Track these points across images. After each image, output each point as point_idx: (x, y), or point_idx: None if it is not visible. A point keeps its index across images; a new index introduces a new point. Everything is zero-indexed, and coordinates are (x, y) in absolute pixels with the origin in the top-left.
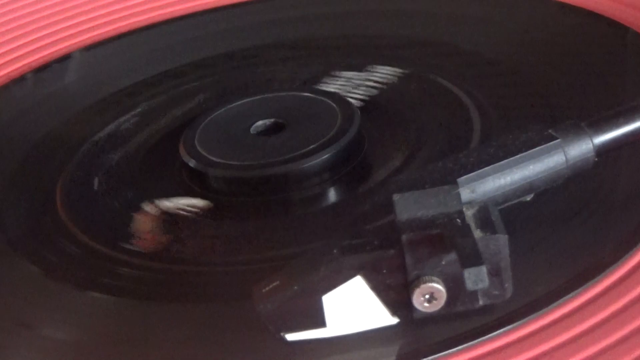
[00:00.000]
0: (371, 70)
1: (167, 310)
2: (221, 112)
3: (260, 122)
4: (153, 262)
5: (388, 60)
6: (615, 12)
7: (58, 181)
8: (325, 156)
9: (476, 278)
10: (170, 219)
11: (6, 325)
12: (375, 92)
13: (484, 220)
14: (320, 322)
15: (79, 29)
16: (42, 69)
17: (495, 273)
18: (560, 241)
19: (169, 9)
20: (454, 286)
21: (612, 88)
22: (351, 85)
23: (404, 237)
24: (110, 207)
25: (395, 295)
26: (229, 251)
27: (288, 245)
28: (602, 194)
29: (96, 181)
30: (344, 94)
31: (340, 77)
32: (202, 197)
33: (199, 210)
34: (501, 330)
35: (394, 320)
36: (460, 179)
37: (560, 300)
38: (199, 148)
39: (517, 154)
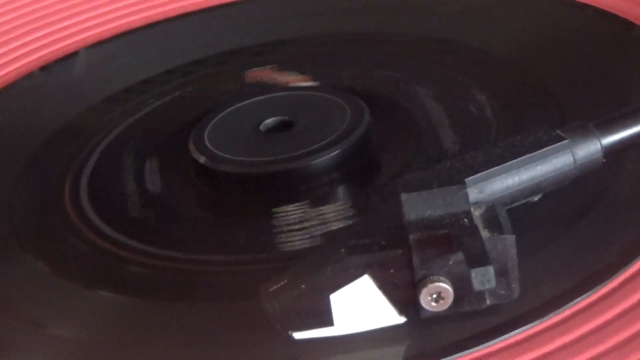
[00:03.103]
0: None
1: (174, 309)
2: (231, 109)
3: (269, 120)
4: (160, 260)
5: (396, 57)
6: (625, 10)
7: (66, 178)
8: (333, 154)
9: (483, 278)
10: None
11: (13, 323)
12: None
13: (492, 220)
14: (327, 321)
15: (89, 24)
16: (50, 66)
17: (502, 273)
18: (568, 242)
19: (180, 4)
20: (461, 286)
21: (621, 88)
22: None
23: (411, 237)
24: (118, 204)
25: (402, 294)
26: (236, 249)
27: (295, 244)
28: (612, 195)
29: (104, 178)
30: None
31: (347, 74)
32: (210, 194)
33: None
34: (511, 333)
35: (401, 320)
36: (468, 179)
37: (571, 303)
38: (208, 145)
39: (524, 155)
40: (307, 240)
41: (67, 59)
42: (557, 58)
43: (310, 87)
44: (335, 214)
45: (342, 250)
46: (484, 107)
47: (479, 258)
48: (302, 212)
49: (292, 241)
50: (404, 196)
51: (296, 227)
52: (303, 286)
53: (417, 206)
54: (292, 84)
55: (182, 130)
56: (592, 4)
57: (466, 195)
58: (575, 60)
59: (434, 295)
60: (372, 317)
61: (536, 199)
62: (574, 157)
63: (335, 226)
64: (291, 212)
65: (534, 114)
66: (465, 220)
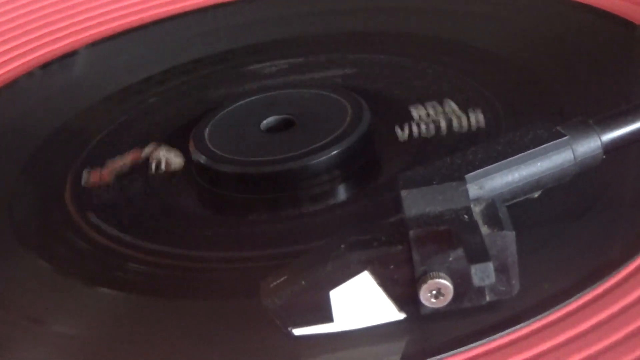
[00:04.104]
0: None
1: (175, 306)
2: (231, 108)
3: (270, 119)
4: (161, 258)
5: (397, 57)
6: (623, 9)
7: (67, 177)
8: (334, 152)
9: (483, 274)
10: None
11: (15, 320)
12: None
13: (492, 216)
14: (327, 317)
15: (89, 23)
16: (49, 65)
17: (502, 269)
18: (569, 238)
19: (179, 4)
20: (461, 282)
21: (620, 85)
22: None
23: (411, 233)
24: (119, 203)
25: (402, 290)
26: (237, 248)
27: (296, 243)
28: (612, 192)
29: (105, 177)
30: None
31: (348, 72)
32: (212, 193)
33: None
34: (510, 330)
35: (401, 316)
36: (468, 176)
37: (571, 300)
38: (208, 144)
39: (524, 151)
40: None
41: (67, 57)
42: (557, 57)
43: (311, 85)
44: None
45: (342, 246)
46: (485, 106)
47: (478, 254)
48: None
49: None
50: (404, 192)
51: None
52: (303, 282)
53: (417, 202)
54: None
55: (182, 129)
56: (592, 4)
57: (466, 191)
58: (575, 60)
59: (434, 292)
60: (372, 313)
61: (536, 195)
62: (574, 154)
63: None
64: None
65: (534, 113)
66: (465, 216)
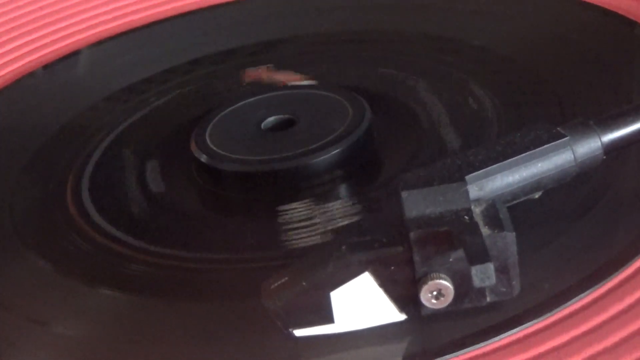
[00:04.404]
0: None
1: (175, 306)
2: (233, 108)
3: (271, 118)
4: (163, 259)
5: (398, 55)
6: (626, 9)
7: (68, 176)
8: (335, 152)
9: (483, 275)
10: None
11: (15, 321)
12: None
13: (492, 217)
14: (328, 318)
15: (90, 23)
16: (51, 65)
17: (502, 270)
18: (569, 239)
19: (180, 3)
20: (462, 283)
21: (621, 85)
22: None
23: (412, 234)
24: (120, 203)
25: (403, 291)
26: (238, 248)
27: (298, 242)
28: (613, 192)
29: (106, 177)
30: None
31: (349, 72)
32: (212, 193)
33: None
34: (511, 331)
35: (401, 317)
36: (469, 177)
37: (572, 301)
38: (209, 143)
39: (525, 152)
40: (310, 237)
41: (68, 58)
42: (558, 56)
43: (311, 85)
44: (339, 211)
45: (343, 247)
46: (486, 105)
47: (479, 255)
48: (308, 210)
49: (295, 239)
50: (404, 193)
51: (300, 224)
52: (304, 283)
53: (417, 203)
54: (288, 83)
55: (184, 129)
56: (593, 2)
57: (467, 192)
58: (577, 59)
59: (435, 293)
60: (372, 314)
61: (537, 196)
62: (574, 155)
63: (340, 223)
64: (296, 209)
65: (535, 112)
66: (466, 217)
